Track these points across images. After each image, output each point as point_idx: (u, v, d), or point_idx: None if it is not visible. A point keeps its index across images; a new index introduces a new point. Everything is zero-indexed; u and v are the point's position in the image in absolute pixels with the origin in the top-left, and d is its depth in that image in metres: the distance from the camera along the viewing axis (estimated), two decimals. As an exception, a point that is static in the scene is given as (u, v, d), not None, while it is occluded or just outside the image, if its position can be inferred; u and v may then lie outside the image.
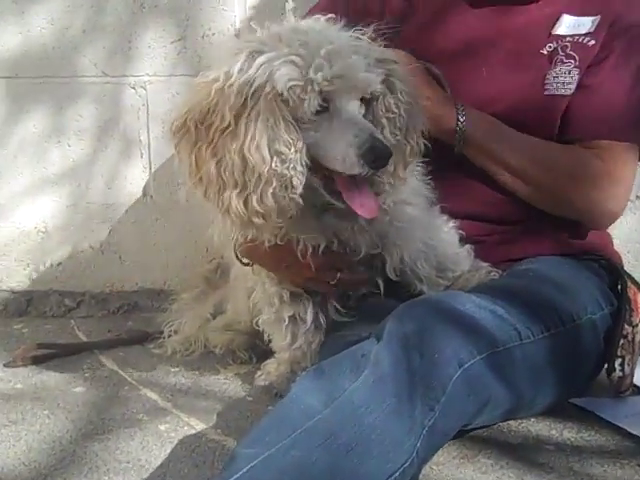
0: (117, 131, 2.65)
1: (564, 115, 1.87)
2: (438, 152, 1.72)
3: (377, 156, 1.48)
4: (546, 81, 1.85)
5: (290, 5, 1.61)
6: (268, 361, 2.06)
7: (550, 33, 1.87)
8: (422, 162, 1.76)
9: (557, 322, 1.65)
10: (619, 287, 1.87)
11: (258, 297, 1.96)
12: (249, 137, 1.44)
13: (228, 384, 2.12)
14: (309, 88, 1.46)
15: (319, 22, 1.58)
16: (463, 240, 1.86)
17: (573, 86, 1.85)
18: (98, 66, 2.60)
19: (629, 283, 1.85)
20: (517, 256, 1.90)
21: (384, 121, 1.59)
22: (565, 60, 1.85)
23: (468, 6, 1.91)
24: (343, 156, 1.49)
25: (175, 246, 2.71)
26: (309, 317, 1.86)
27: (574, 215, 1.90)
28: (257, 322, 2.01)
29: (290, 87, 1.46)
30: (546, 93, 1.85)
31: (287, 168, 1.47)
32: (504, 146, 1.85)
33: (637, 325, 1.80)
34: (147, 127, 2.64)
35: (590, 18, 1.86)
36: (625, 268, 2.00)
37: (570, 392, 1.78)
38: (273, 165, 1.46)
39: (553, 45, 1.86)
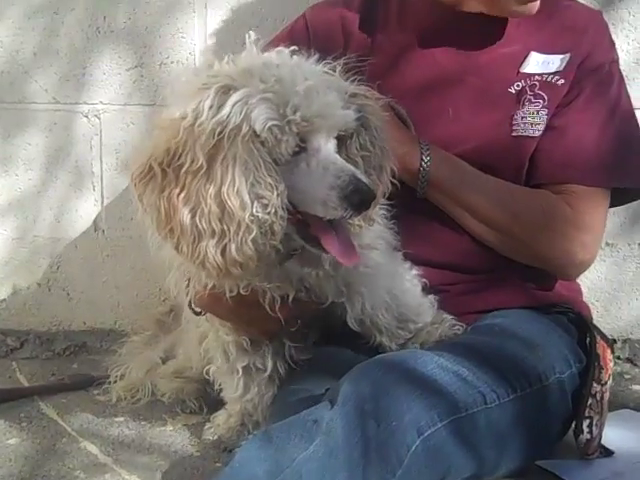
0: (68, 161, 2.54)
1: (532, 157, 1.81)
2: (401, 194, 1.64)
3: (362, 199, 1.38)
4: (514, 122, 1.79)
5: (252, 37, 1.49)
6: (218, 413, 1.97)
7: (518, 71, 1.81)
8: (386, 205, 1.67)
9: (524, 383, 1.58)
10: (588, 342, 1.79)
11: (210, 344, 1.85)
12: (227, 181, 1.34)
13: (175, 437, 2.02)
14: (287, 129, 1.37)
15: (287, 55, 1.48)
16: (426, 290, 1.78)
17: (542, 127, 1.79)
18: (49, 92, 2.50)
19: (598, 338, 1.77)
20: (482, 308, 1.82)
21: (359, 160, 1.51)
22: (533, 100, 1.79)
23: (433, 40, 1.85)
24: (324, 199, 1.39)
25: (127, 284, 2.61)
26: (269, 365, 1.76)
27: (541, 264, 1.83)
28: (207, 371, 1.91)
29: (268, 127, 1.36)
30: (514, 134, 1.79)
31: (269, 213, 1.37)
32: (469, 189, 1.77)
33: (606, 383, 1.73)
34: (100, 158, 2.53)
35: (559, 56, 1.80)
36: (594, 318, 1.95)
37: (536, 455, 1.69)
38: (254, 210, 1.35)
39: (521, 84, 1.80)
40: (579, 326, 1.82)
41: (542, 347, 1.65)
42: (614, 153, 1.80)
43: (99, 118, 2.51)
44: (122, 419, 2.11)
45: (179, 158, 1.35)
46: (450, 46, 1.84)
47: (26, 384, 2.37)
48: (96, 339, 2.62)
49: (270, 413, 1.78)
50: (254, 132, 1.36)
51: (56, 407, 2.18)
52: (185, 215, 1.35)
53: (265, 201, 1.36)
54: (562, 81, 1.79)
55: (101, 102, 2.50)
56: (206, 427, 1.96)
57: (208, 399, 2.09)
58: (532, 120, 1.78)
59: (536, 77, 1.80)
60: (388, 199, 1.63)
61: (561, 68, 1.79)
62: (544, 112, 1.78)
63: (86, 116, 2.51)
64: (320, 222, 1.44)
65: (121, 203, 2.54)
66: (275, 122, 1.36)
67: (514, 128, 1.79)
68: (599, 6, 2.26)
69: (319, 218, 1.43)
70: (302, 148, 1.41)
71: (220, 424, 1.92)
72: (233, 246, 1.36)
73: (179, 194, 1.35)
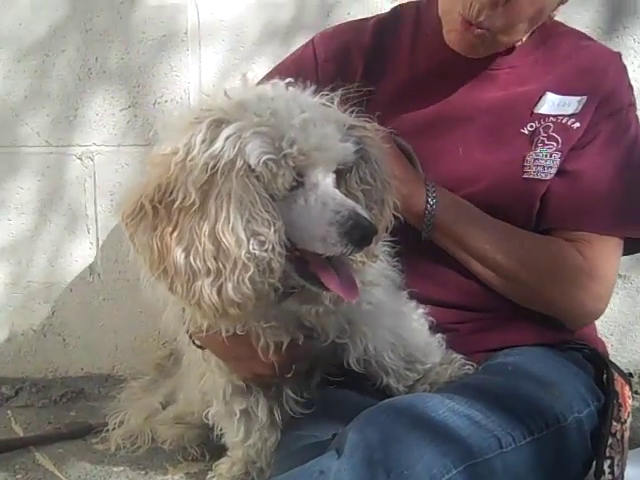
0: (62, 205, 2.51)
1: (544, 201, 1.75)
2: (405, 232, 1.59)
3: (363, 235, 1.32)
4: (525, 163, 1.73)
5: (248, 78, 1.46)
6: (221, 460, 1.90)
7: (532, 112, 1.75)
8: (389, 241, 1.62)
9: (541, 425, 1.51)
10: (605, 379, 1.73)
11: (207, 386, 1.79)
12: (222, 218, 1.28)
13: (177, 487, 1.95)
14: (283, 162, 1.31)
15: (282, 87, 1.43)
16: (433, 328, 1.72)
17: (553, 170, 1.73)
18: (41, 135, 2.47)
19: (616, 375, 1.71)
20: (493, 346, 1.75)
21: (359, 194, 1.45)
22: (547, 142, 1.73)
23: (444, 76, 1.79)
24: (323, 236, 1.33)
25: (124, 328, 2.56)
26: (262, 412, 1.70)
27: (550, 312, 1.76)
28: (207, 415, 1.83)
29: (264, 161, 1.30)
30: (525, 176, 1.73)
31: (266, 250, 1.31)
32: (476, 234, 1.72)
33: (625, 421, 1.67)
34: (94, 200, 2.50)
35: (576, 98, 1.74)
36: (609, 353, 1.89)
37: None
38: (250, 248, 1.29)
39: (535, 125, 1.74)
40: (595, 363, 1.76)
41: (558, 386, 1.59)
42: (629, 201, 1.75)
43: (92, 160, 2.47)
44: (121, 468, 2.05)
45: (170, 194, 1.30)
46: (462, 83, 1.79)
47: (21, 434, 2.32)
48: (94, 385, 2.57)
49: (274, 461, 1.70)
50: (249, 167, 1.30)
51: (52, 457, 2.13)
52: (179, 254, 1.29)
53: (262, 238, 1.30)
54: (578, 124, 1.73)
55: (94, 144, 2.46)
56: (209, 476, 1.90)
57: (210, 445, 2.03)
58: (544, 163, 1.72)
59: (551, 118, 1.74)
60: (391, 235, 1.57)
61: (577, 110, 1.73)
62: (557, 155, 1.72)
63: (79, 158, 2.47)
64: (319, 259, 1.38)
65: (117, 245, 2.49)
66: (270, 156, 1.31)
67: (525, 170, 1.73)
68: (603, 34, 2.23)
69: (318, 255, 1.37)
70: (299, 183, 1.35)
71: (223, 473, 1.85)
72: (230, 285, 1.30)
73: (172, 232, 1.30)
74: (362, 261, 1.48)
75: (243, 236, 1.29)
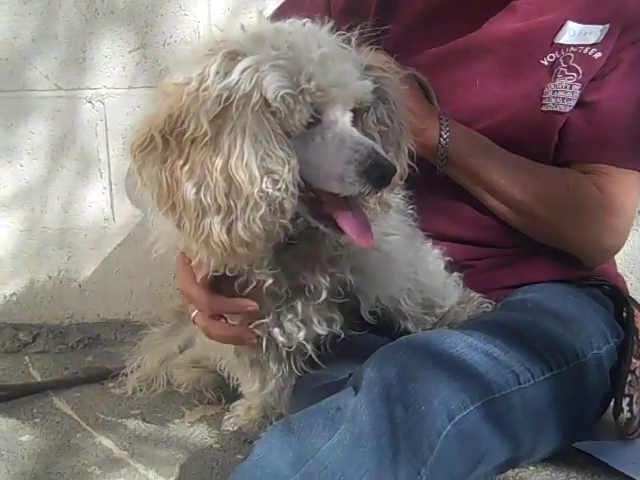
0: (73, 149, 2.48)
1: (562, 132, 1.71)
2: (422, 168, 1.54)
3: (382, 173, 1.28)
4: (544, 95, 1.69)
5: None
6: (238, 402, 1.89)
7: (552, 42, 1.70)
8: (403, 192, 1.58)
9: (560, 361, 1.50)
10: (625, 316, 1.72)
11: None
12: (235, 153, 1.24)
13: (193, 429, 1.95)
14: (300, 98, 1.27)
15: (299, 23, 1.38)
16: (450, 268, 1.69)
17: (573, 102, 1.68)
18: (50, 78, 2.43)
19: (636, 311, 1.70)
20: (512, 283, 1.74)
21: (376, 135, 1.40)
22: (567, 73, 1.68)
23: (463, 7, 1.74)
24: (341, 174, 1.28)
25: (140, 273, 2.54)
26: (272, 364, 1.64)
27: (567, 248, 1.74)
28: (220, 366, 1.83)
29: (282, 96, 1.26)
30: (543, 108, 1.69)
31: (279, 189, 1.26)
32: (491, 168, 1.68)
33: None
34: (106, 144, 2.46)
35: (598, 27, 1.69)
36: (628, 290, 1.85)
37: (573, 436, 1.62)
38: (263, 186, 1.25)
39: (555, 55, 1.70)
40: (615, 299, 1.74)
41: (578, 322, 1.57)
42: None
43: (103, 103, 2.43)
44: (138, 412, 2.05)
45: (182, 124, 1.25)
46: (481, 14, 1.73)
47: (39, 379, 2.31)
48: (110, 331, 2.56)
49: (292, 402, 1.69)
50: (265, 101, 1.26)
51: (70, 402, 2.12)
52: (189, 189, 1.25)
53: (276, 176, 1.26)
54: (599, 54, 1.68)
55: (104, 86, 2.43)
56: (225, 417, 1.89)
57: (226, 390, 2.01)
58: (564, 95, 1.68)
59: (571, 49, 1.69)
60: (406, 185, 1.53)
61: (599, 40, 1.68)
62: (577, 86, 1.68)
63: (90, 101, 2.44)
64: (335, 200, 1.34)
65: (130, 189, 2.45)
66: (288, 91, 1.26)
67: (544, 102, 1.69)
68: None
69: (334, 196, 1.33)
70: (317, 120, 1.31)
71: (240, 415, 1.85)
72: (240, 224, 1.26)
73: (182, 166, 1.25)
74: (374, 209, 1.44)
75: (257, 173, 1.25)
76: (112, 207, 2.51)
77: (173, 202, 1.27)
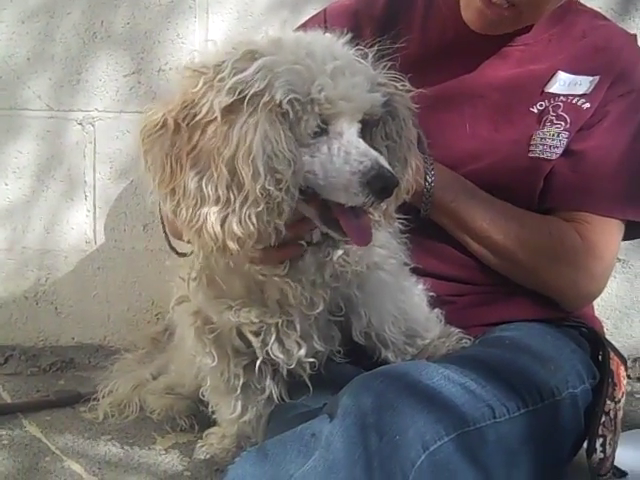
0: (60, 170, 2.47)
1: (547, 180, 1.73)
2: (405, 206, 1.57)
3: (384, 185, 1.31)
4: (532, 142, 1.71)
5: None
6: (212, 430, 1.88)
7: (543, 90, 1.73)
8: (401, 218, 1.61)
9: (536, 398, 1.50)
10: (601, 358, 1.72)
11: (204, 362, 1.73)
12: (244, 148, 1.25)
13: (164, 456, 1.94)
14: (309, 107, 1.30)
15: (319, 33, 1.43)
16: (432, 302, 1.70)
17: (560, 150, 1.71)
18: (42, 99, 2.44)
19: (612, 354, 1.70)
20: (491, 320, 1.74)
21: (383, 149, 1.43)
22: (555, 121, 1.71)
23: (456, 51, 1.77)
24: (345, 185, 1.31)
25: (117, 298, 2.53)
26: (267, 383, 1.66)
27: (546, 293, 1.75)
28: (202, 392, 1.81)
29: (290, 100, 1.29)
30: (530, 155, 1.71)
31: (280, 190, 1.28)
32: (475, 214, 1.70)
33: (619, 401, 1.67)
34: (93, 167, 2.46)
35: (589, 78, 1.72)
36: (605, 336, 1.85)
37: (546, 475, 1.58)
38: (266, 184, 1.26)
39: (545, 104, 1.73)
40: (592, 341, 1.75)
41: (555, 361, 1.57)
42: (633, 184, 1.73)
43: (93, 126, 2.44)
44: (109, 437, 2.02)
45: (194, 108, 1.28)
46: (475, 60, 1.77)
47: (9, 400, 2.28)
48: (84, 355, 2.53)
49: (266, 430, 1.68)
50: (276, 102, 1.28)
51: (40, 425, 2.10)
52: (191, 176, 1.27)
53: (279, 176, 1.28)
54: (588, 105, 1.71)
55: (96, 109, 2.43)
56: (198, 445, 1.87)
57: (200, 417, 2.01)
58: (551, 142, 1.70)
59: (561, 98, 1.72)
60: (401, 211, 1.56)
61: (588, 91, 1.71)
62: (565, 135, 1.70)
63: (80, 123, 2.44)
64: (342, 206, 1.36)
65: (114, 214, 2.47)
66: (297, 96, 1.29)
67: (531, 149, 1.71)
68: (615, 14, 2.21)
69: (341, 204, 1.35)
70: (324, 130, 1.34)
71: (214, 443, 1.83)
72: (235, 218, 1.27)
73: (189, 153, 1.28)
74: (378, 221, 1.47)
75: (261, 170, 1.26)
76: (94, 230, 2.50)
77: (174, 187, 1.29)
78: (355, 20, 1.85)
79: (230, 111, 1.27)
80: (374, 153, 1.34)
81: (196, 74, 1.32)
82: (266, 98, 1.27)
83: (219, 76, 1.29)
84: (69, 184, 2.47)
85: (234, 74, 1.28)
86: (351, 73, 1.34)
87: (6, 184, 2.47)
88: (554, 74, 1.73)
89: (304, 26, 1.90)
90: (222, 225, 1.28)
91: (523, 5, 1.64)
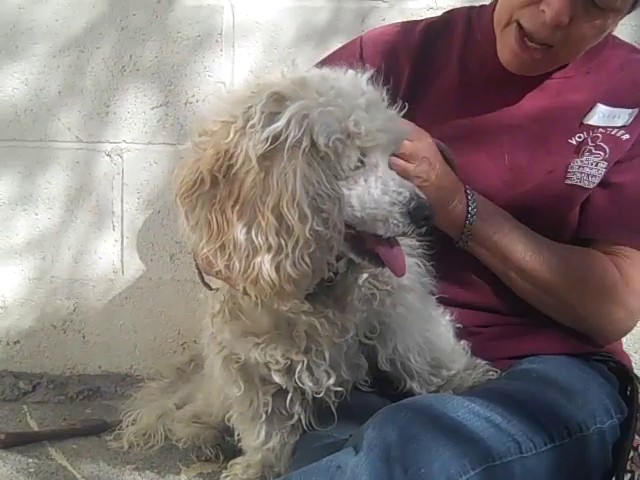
0: (89, 201, 2.50)
1: (585, 210, 1.73)
2: (435, 234, 1.58)
3: (425, 215, 1.33)
4: (569, 169, 1.71)
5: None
6: (236, 460, 1.86)
7: (582, 122, 1.73)
8: (426, 245, 1.62)
9: (563, 433, 1.48)
10: (628, 393, 1.70)
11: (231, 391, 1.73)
12: (287, 193, 1.27)
13: (189, 486, 1.92)
14: (349, 143, 1.31)
15: (340, 70, 1.43)
16: (458, 334, 1.69)
17: (597, 180, 1.70)
18: (72, 130, 2.47)
19: (640, 389, 1.68)
20: (518, 353, 1.73)
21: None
22: (594, 151, 1.70)
23: (495, 84, 1.78)
24: (385, 216, 1.33)
25: (144, 328, 2.54)
26: (296, 409, 1.65)
27: (582, 327, 1.74)
28: (229, 418, 1.82)
29: (332, 141, 1.30)
30: (567, 182, 1.71)
31: (328, 228, 1.29)
32: (515, 246, 1.68)
33: None
34: (121, 198, 2.49)
35: (627, 110, 1.72)
36: (633, 370, 1.82)
37: None
38: (315, 225, 1.28)
39: (583, 135, 1.72)
40: (620, 376, 1.73)
41: (582, 395, 1.56)
42: None
43: (121, 157, 2.47)
44: (134, 466, 2.02)
45: (230, 159, 1.29)
46: (513, 92, 1.77)
47: (36, 428, 2.29)
48: (111, 384, 2.54)
49: (291, 460, 1.68)
50: (313, 145, 1.30)
51: (66, 453, 2.10)
52: (239, 229, 1.28)
53: (325, 215, 1.29)
54: (627, 136, 1.70)
55: (124, 141, 2.46)
56: (223, 475, 1.85)
57: (225, 447, 2.00)
58: (589, 171, 1.69)
59: (600, 129, 1.71)
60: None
61: (628, 123, 1.71)
62: (603, 165, 1.70)
63: (109, 155, 2.47)
64: (376, 237, 1.37)
65: (141, 244, 2.49)
66: (338, 136, 1.30)
67: (569, 176, 1.70)
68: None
69: (377, 235, 1.36)
70: (361, 163, 1.35)
71: (238, 473, 1.81)
72: (289, 261, 1.28)
73: (233, 206, 1.29)
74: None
75: (308, 212, 1.27)
76: (122, 260, 2.52)
77: (223, 242, 1.30)
78: (391, 50, 1.86)
79: (267, 158, 1.27)
80: (410, 184, 1.36)
81: (225, 124, 1.32)
82: (305, 143, 1.28)
83: (250, 123, 1.29)
84: (97, 214, 2.50)
85: (265, 123, 1.29)
86: (384, 105, 1.36)
87: (36, 214, 2.50)
88: (593, 106, 1.73)
89: (337, 54, 1.91)
90: (277, 271, 1.28)
91: (559, 47, 1.64)
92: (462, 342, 1.69)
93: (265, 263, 1.28)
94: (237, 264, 1.29)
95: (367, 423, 1.39)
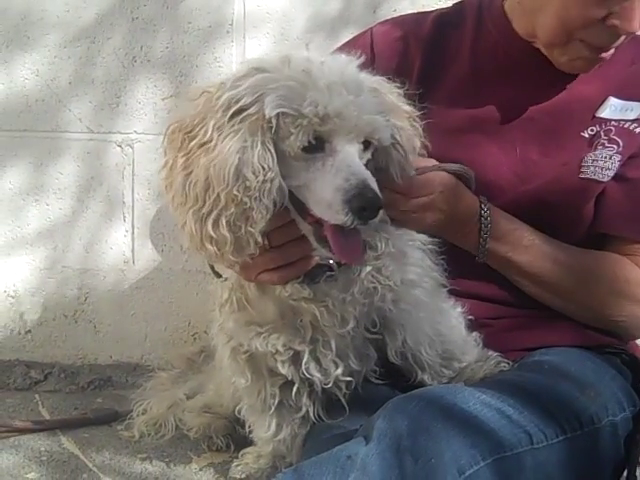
0: (100, 191, 2.51)
1: (598, 204, 1.71)
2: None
3: (364, 205, 1.29)
4: (583, 163, 1.69)
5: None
6: (247, 449, 1.87)
7: (594, 115, 1.71)
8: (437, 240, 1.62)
9: (575, 425, 1.48)
10: (642, 386, 1.71)
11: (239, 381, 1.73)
12: (221, 155, 1.29)
13: (200, 475, 1.95)
14: (299, 122, 1.31)
15: (334, 55, 1.46)
16: (470, 326, 1.68)
17: (611, 173, 1.68)
18: (83, 121, 2.48)
19: (653, 382, 1.68)
20: (530, 345, 1.72)
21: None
22: (607, 144, 1.69)
23: (507, 75, 1.76)
24: (329, 201, 1.31)
25: (155, 317, 2.55)
26: (303, 401, 1.64)
27: (605, 326, 1.73)
28: (239, 410, 1.81)
29: (278, 114, 1.31)
30: (581, 176, 1.69)
31: (249, 197, 1.30)
32: (532, 260, 1.67)
33: None
34: (132, 188, 2.50)
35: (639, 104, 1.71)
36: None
37: None
38: (234, 190, 1.30)
39: (596, 128, 1.71)
40: (632, 368, 1.72)
41: (594, 387, 1.55)
42: None
43: (132, 148, 2.48)
44: (145, 455, 2.03)
45: (196, 130, 1.33)
46: (523, 82, 1.75)
47: (48, 417, 2.31)
48: (122, 373, 2.55)
49: (302, 451, 1.68)
50: (263, 116, 1.31)
51: (78, 442, 2.12)
52: (180, 177, 1.33)
53: (248, 183, 1.30)
54: None
55: (135, 131, 2.47)
56: (234, 464, 1.86)
57: (236, 437, 2.01)
58: (603, 164, 1.68)
59: (612, 122, 1.70)
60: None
61: None
62: (617, 158, 1.68)
63: (119, 145, 2.48)
64: (333, 225, 1.35)
65: (152, 234, 2.50)
66: (285, 110, 1.31)
67: (582, 170, 1.69)
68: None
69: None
70: (319, 147, 1.33)
71: (249, 463, 1.82)
72: (210, 221, 1.32)
73: (182, 157, 1.34)
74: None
75: (229, 175, 1.29)
76: (133, 250, 2.53)
77: (171, 182, 1.36)
78: (403, 42, 1.85)
79: (221, 125, 1.31)
80: (364, 173, 1.33)
81: (203, 93, 1.38)
82: (252, 111, 1.30)
83: (217, 94, 1.33)
84: (108, 205, 2.51)
85: (230, 89, 1.33)
86: (350, 92, 1.33)
87: (47, 204, 2.51)
88: (605, 99, 1.72)
89: (348, 45, 1.90)
90: (199, 225, 1.33)
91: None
92: (474, 334, 1.69)
93: (190, 214, 1.33)
94: (175, 206, 1.37)
95: (377, 413, 1.38)
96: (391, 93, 1.47)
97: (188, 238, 1.37)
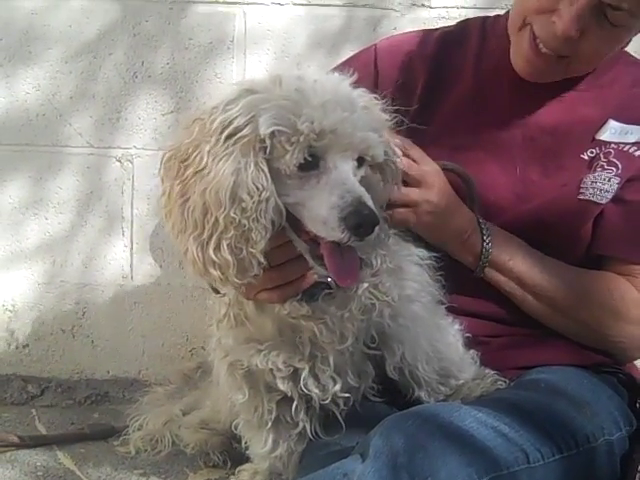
0: (99, 206, 2.52)
1: (596, 225, 1.72)
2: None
3: (359, 222, 1.29)
4: (582, 184, 1.70)
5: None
6: (244, 466, 1.85)
7: (594, 137, 1.73)
8: (435, 256, 1.62)
9: (571, 444, 1.48)
10: (638, 405, 1.71)
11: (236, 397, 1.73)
12: (216, 179, 1.30)
13: (196, 492, 1.92)
14: (294, 139, 1.31)
15: (330, 75, 1.45)
16: (467, 343, 1.69)
17: (610, 195, 1.70)
18: (83, 136, 2.49)
19: (650, 402, 1.68)
20: (526, 363, 1.72)
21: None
22: (606, 167, 1.70)
23: (509, 94, 1.78)
24: (325, 218, 1.31)
25: (153, 333, 2.56)
26: (300, 416, 1.64)
27: (604, 347, 1.73)
28: (235, 425, 1.80)
29: (272, 133, 1.31)
30: (580, 197, 1.70)
31: (247, 218, 1.31)
32: (532, 271, 1.69)
33: None
34: (131, 203, 2.51)
35: (639, 127, 1.72)
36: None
37: None
38: (231, 212, 1.30)
39: (595, 151, 1.72)
40: (629, 388, 1.73)
41: (591, 406, 1.56)
42: None
43: (132, 163, 2.48)
44: (142, 471, 2.03)
45: (190, 158, 1.33)
46: (525, 102, 1.76)
47: (44, 432, 2.30)
48: (119, 389, 2.55)
49: (298, 468, 1.67)
50: (257, 136, 1.31)
51: (74, 457, 2.11)
52: (178, 205, 1.33)
53: (244, 204, 1.30)
54: (639, 153, 1.71)
55: (135, 147, 2.48)
56: (230, 481, 1.86)
57: (233, 453, 2.00)
58: (602, 186, 1.69)
59: (612, 145, 1.71)
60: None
61: None
62: (616, 180, 1.69)
63: (119, 160, 2.49)
64: (329, 243, 1.36)
65: (151, 250, 2.50)
66: (280, 128, 1.31)
67: (581, 191, 1.70)
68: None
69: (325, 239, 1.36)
70: (314, 164, 1.33)
71: (246, 479, 1.81)
72: (211, 244, 1.32)
73: (179, 184, 1.34)
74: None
75: (225, 199, 1.30)
76: (131, 266, 2.53)
77: (170, 210, 1.36)
78: (407, 60, 1.86)
79: (215, 150, 1.31)
80: (359, 191, 1.33)
81: (196, 119, 1.37)
82: (246, 132, 1.31)
83: (210, 118, 1.33)
84: (107, 220, 2.51)
85: (222, 115, 1.33)
86: (344, 109, 1.34)
87: (46, 218, 2.52)
88: (605, 122, 1.73)
89: (352, 60, 1.92)
90: (201, 251, 1.33)
91: (573, 57, 1.64)
92: (471, 351, 1.69)
93: (191, 241, 1.33)
94: (174, 236, 1.37)
95: (374, 431, 1.38)
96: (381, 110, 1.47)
97: (191, 264, 1.36)
